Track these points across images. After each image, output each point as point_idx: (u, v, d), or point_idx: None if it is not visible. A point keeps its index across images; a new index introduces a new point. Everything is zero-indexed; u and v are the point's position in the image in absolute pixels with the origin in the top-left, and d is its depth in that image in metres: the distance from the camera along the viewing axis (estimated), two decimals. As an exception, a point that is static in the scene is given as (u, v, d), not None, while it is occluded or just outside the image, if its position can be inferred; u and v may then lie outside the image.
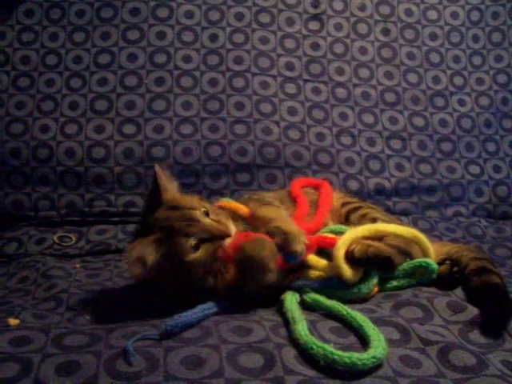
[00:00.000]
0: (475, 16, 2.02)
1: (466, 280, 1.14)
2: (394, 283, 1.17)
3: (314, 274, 1.12)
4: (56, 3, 1.85)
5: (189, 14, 1.87)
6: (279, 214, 1.19)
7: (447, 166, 1.86)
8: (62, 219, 1.66)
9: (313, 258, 1.13)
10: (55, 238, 1.57)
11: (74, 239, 1.57)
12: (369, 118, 1.87)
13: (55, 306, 1.13)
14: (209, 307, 1.00)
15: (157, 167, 1.11)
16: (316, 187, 1.44)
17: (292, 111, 1.83)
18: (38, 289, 1.23)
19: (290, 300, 1.03)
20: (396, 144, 1.86)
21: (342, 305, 1.02)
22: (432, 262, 1.16)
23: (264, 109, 1.81)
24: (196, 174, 1.72)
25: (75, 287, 1.24)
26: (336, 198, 1.41)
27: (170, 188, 1.12)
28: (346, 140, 1.83)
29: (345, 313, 0.99)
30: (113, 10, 1.85)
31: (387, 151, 1.84)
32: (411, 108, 1.91)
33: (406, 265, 1.17)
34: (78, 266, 1.41)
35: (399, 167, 1.83)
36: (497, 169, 1.90)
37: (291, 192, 1.40)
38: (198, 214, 1.05)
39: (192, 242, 1.01)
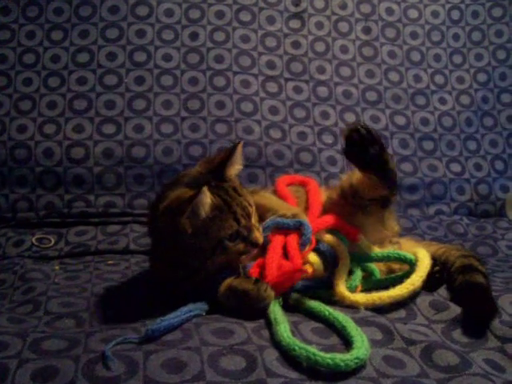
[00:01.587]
0: (455, 15, 2.02)
1: (451, 278, 1.14)
2: (376, 279, 1.17)
3: (308, 268, 1.11)
4: (33, 1, 1.82)
5: (169, 12, 1.85)
6: (272, 201, 1.23)
7: (429, 165, 1.87)
8: (41, 220, 1.63)
9: (311, 256, 1.13)
10: (34, 239, 1.54)
11: (53, 241, 1.55)
12: (350, 117, 1.87)
13: (33, 310, 1.10)
14: (191, 309, 0.99)
15: (240, 143, 1.15)
16: (302, 184, 1.42)
17: (273, 110, 1.82)
18: (15, 292, 1.21)
19: (273, 301, 1.02)
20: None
21: (324, 305, 1.01)
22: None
23: (245, 108, 1.80)
24: (177, 173, 1.70)
25: (54, 290, 1.21)
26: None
27: (235, 168, 1.14)
28: (327, 139, 1.83)
29: (327, 313, 0.98)
30: (91, 8, 1.82)
31: (369, 150, 1.84)
32: (393, 107, 1.91)
33: (391, 252, 1.17)
34: (57, 268, 1.39)
35: (381, 166, 1.82)
36: (478, 167, 1.91)
37: (276, 191, 1.38)
38: (253, 212, 1.11)
39: (234, 228, 1.06)
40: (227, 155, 1.12)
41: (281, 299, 1.06)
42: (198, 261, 1.06)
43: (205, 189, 1.01)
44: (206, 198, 1.02)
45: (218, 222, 1.05)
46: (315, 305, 1.02)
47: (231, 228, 1.06)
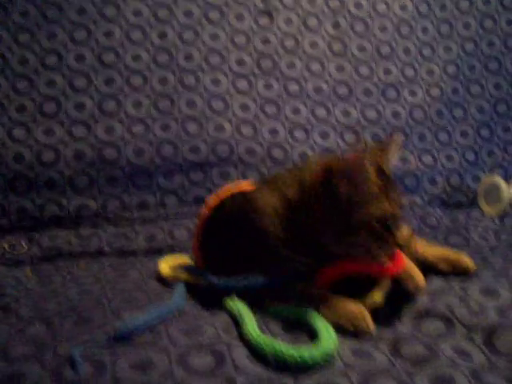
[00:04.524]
0: (423, 8, 2.04)
1: None
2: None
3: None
4: (-2, 4, 1.80)
5: (137, 12, 1.84)
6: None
7: (401, 157, 1.88)
8: (13, 225, 1.62)
9: None
10: (6, 245, 1.53)
11: (25, 246, 1.54)
12: (322, 112, 1.88)
13: (4, 316, 1.09)
14: (161, 312, 0.99)
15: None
16: None
17: (244, 107, 1.82)
18: (-14, 299, 1.20)
19: (236, 300, 1.02)
20: (349, 137, 1.87)
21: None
22: None
23: (216, 106, 1.79)
24: (149, 174, 1.70)
25: (26, 296, 1.20)
26: None
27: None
28: (299, 135, 1.83)
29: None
30: (58, 10, 1.81)
31: (341, 144, 1.85)
32: (363, 101, 1.92)
33: None
34: (29, 273, 1.38)
35: (354, 160, 1.83)
36: (449, 158, 1.93)
37: None
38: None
39: (388, 211, 0.98)
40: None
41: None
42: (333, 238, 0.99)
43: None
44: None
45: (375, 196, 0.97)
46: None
47: (385, 210, 0.97)
